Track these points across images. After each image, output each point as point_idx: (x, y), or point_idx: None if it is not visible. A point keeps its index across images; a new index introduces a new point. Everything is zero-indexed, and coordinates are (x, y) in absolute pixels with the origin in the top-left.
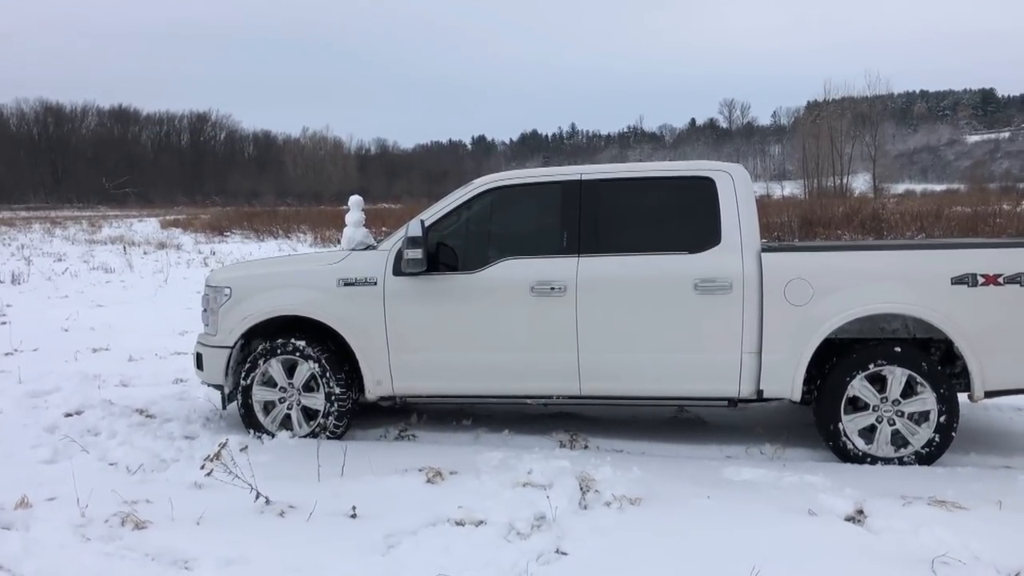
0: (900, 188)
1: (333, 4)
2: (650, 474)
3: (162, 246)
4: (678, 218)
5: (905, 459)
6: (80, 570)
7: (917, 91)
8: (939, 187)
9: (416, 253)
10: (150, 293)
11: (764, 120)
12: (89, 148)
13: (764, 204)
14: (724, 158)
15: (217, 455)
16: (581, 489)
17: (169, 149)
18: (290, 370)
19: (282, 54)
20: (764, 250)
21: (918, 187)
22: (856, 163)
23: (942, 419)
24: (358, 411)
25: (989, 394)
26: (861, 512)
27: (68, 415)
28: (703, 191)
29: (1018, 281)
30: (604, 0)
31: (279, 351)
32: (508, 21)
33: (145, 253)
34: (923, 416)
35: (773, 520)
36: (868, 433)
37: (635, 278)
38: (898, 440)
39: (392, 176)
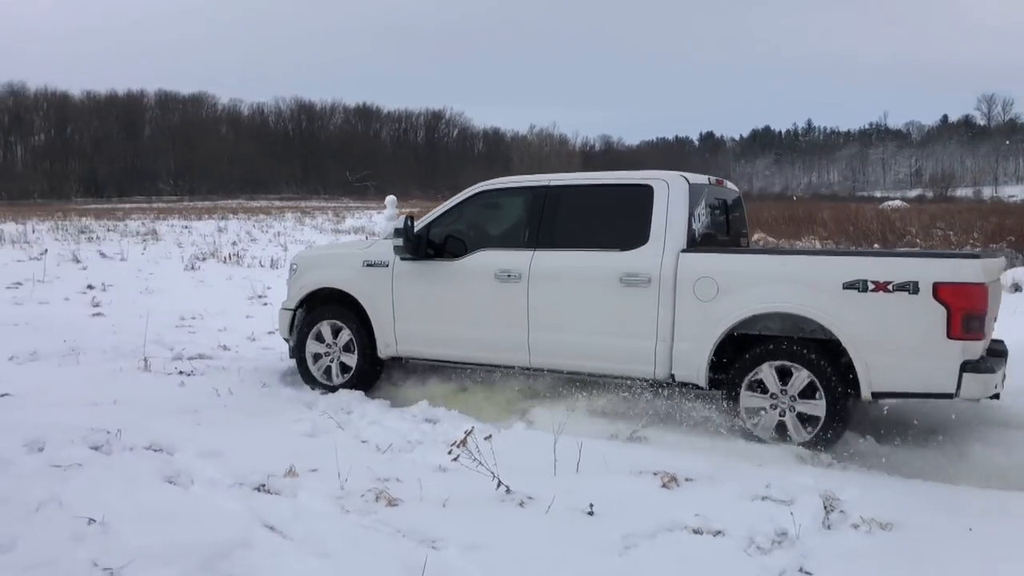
0: None
1: (561, 3)
2: (901, 497)
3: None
4: (618, 220)
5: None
6: (341, 538)
7: None
8: None
9: (399, 241)
10: None
11: None
12: (335, 143)
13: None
14: (980, 159)
15: (463, 442)
16: (825, 508)
17: (406, 145)
18: (335, 332)
19: (514, 53)
20: (684, 250)
21: None
22: None
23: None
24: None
25: (876, 395)
26: None
27: (324, 392)
28: (642, 197)
29: (907, 289)
30: None
31: (328, 316)
32: (741, 11)
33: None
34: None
35: None
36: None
37: (574, 270)
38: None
39: None
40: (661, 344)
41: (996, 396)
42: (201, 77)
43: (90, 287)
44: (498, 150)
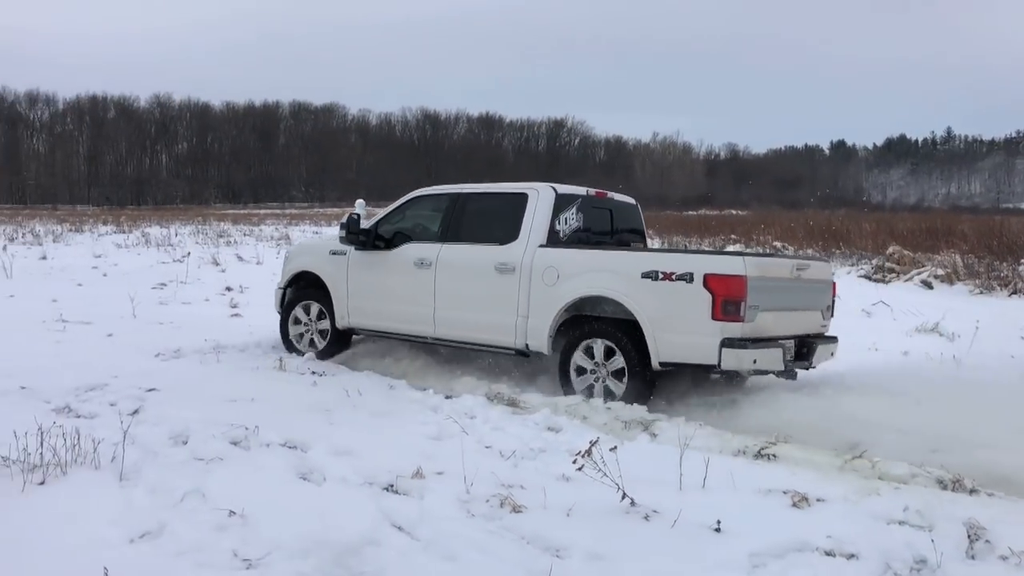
0: None
1: (683, 9)
2: None
3: None
4: (501, 220)
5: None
6: (467, 542)
7: None
8: None
9: (342, 233)
10: None
11: None
12: (458, 152)
13: None
14: None
15: (587, 452)
16: (969, 537)
17: (527, 154)
18: (304, 308)
19: (638, 59)
20: (541, 245)
21: None
22: None
23: (634, 378)
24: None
25: (662, 364)
26: None
27: (448, 397)
28: (519, 202)
29: (685, 278)
30: None
31: (304, 298)
32: (872, 14)
33: None
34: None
35: None
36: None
37: (466, 260)
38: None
39: (741, 181)
40: (520, 320)
41: (790, 374)
42: (333, 88)
43: (228, 289)
44: (619, 158)
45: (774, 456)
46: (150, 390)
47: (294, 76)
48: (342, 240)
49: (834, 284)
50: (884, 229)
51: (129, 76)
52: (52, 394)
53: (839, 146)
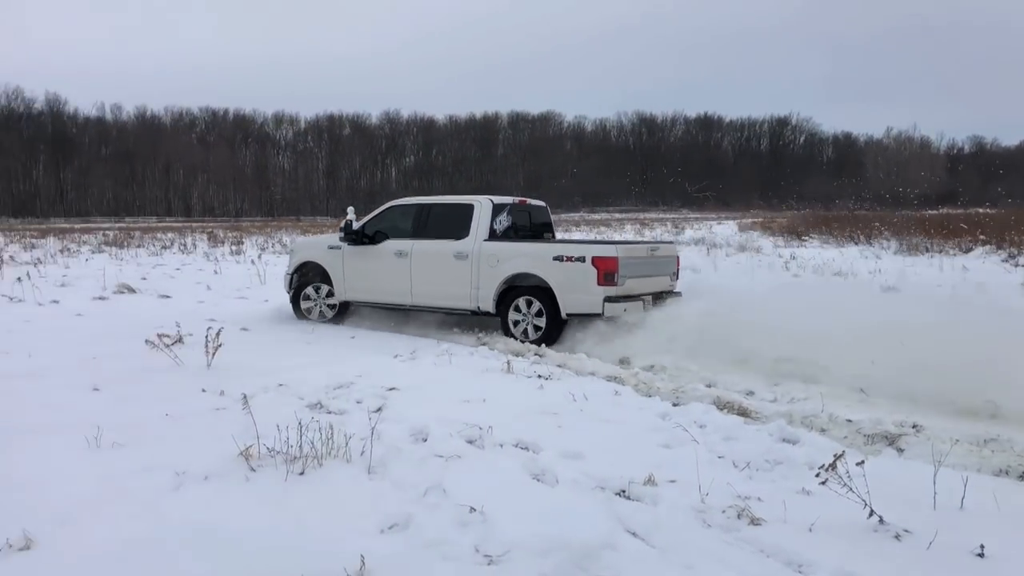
0: None
1: None
2: None
3: (742, 248)
4: (455, 223)
5: (533, 341)
6: (703, 552)
7: None
8: None
9: (342, 234)
10: None
11: None
12: (675, 155)
13: None
14: None
15: (832, 465)
16: None
17: (748, 154)
18: (316, 288)
19: (866, 52)
20: (486, 240)
21: None
22: None
23: (549, 324)
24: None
25: (568, 315)
26: None
27: (675, 404)
28: (467, 210)
29: (580, 259)
30: None
31: (311, 281)
32: None
33: (727, 255)
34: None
35: None
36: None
37: (433, 250)
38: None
39: (988, 177)
40: (473, 290)
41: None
42: (548, 96)
43: None
44: (849, 156)
45: None
46: (391, 389)
47: (512, 87)
48: (341, 238)
49: (677, 258)
50: None
51: (360, 95)
52: (306, 391)
53: None
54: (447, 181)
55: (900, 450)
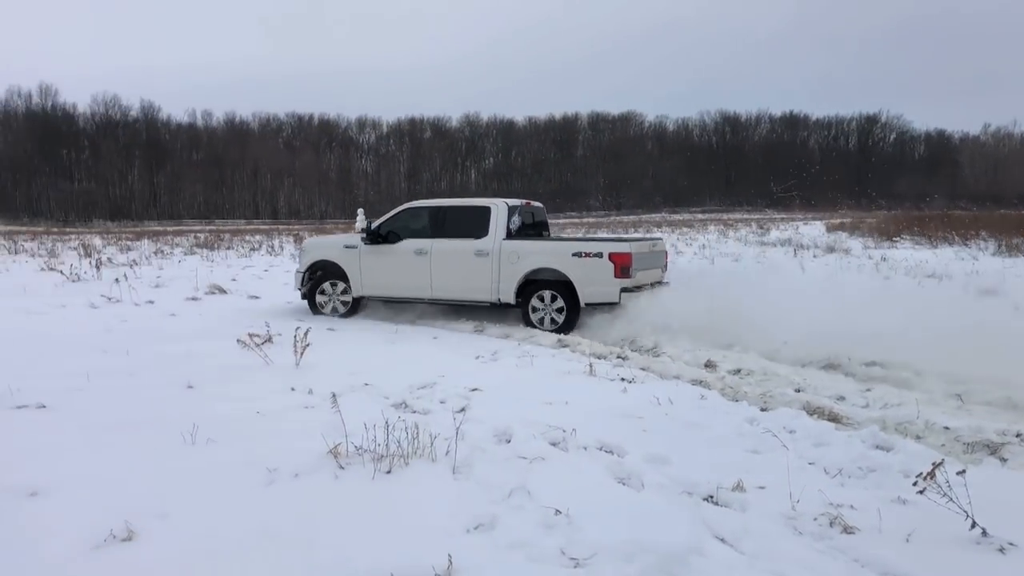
0: None
1: None
2: None
3: (830, 250)
4: (474, 223)
5: (554, 330)
6: (794, 560)
7: None
8: None
9: (362, 234)
10: None
11: None
12: (760, 154)
13: None
14: None
15: (930, 474)
16: None
17: (836, 153)
18: (333, 285)
19: (961, 47)
20: (504, 239)
21: None
22: None
23: (568, 314)
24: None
25: (587, 304)
26: None
27: (763, 409)
28: (485, 211)
29: (597, 256)
30: None
31: (326, 278)
32: None
33: (814, 256)
34: (560, 311)
35: None
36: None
37: (453, 248)
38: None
39: None
40: (493, 284)
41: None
42: (629, 96)
43: None
44: (943, 154)
45: None
46: (473, 390)
47: (591, 87)
48: (363, 238)
49: (666, 253)
50: None
51: (441, 98)
52: (391, 391)
53: None
54: (526, 183)
55: (1003, 460)
